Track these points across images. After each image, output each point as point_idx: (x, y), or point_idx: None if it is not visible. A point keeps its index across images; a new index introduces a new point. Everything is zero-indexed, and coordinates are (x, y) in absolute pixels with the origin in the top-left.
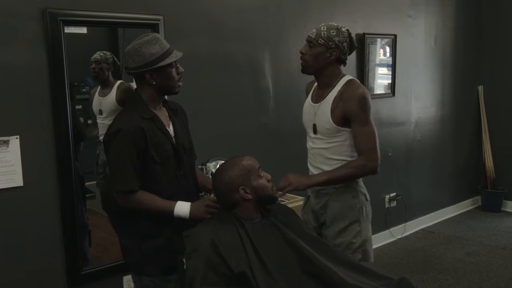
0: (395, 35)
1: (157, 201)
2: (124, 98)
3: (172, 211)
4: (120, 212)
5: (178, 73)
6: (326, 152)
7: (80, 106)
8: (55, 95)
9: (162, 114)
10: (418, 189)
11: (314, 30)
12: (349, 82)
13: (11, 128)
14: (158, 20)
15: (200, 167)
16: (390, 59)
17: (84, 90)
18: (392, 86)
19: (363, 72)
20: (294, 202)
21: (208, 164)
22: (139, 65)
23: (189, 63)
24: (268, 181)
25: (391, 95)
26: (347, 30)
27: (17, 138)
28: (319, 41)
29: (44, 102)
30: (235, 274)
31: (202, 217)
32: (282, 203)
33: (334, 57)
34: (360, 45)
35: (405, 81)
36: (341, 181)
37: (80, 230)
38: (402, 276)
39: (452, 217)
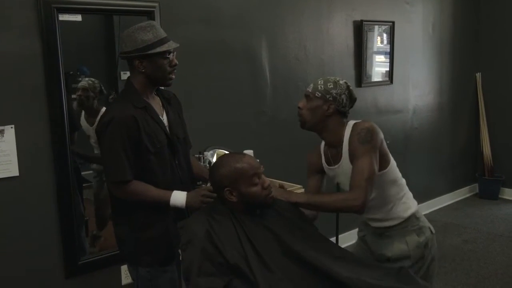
0: (393, 22)
1: (152, 191)
2: None
3: (168, 201)
4: (115, 203)
5: (171, 66)
6: (373, 202)
7: (75, 95)
8: (50, 84)
9: (155, 103)
10: (416, 176)
11: (311, 85)
12: (354, 126)
13: (6, 118)
14: (154, 7)
15: (197, 156)
16: (388, 46)
17: (80, 79)
18: (390, 73)
19: (361, 59)
20: None
21: (205, 153)
22: (129, 49)
23: (185, 50)
24: (265, 188)
25: (388, 82)
26: (345, 82)
27: (12, 127)
28: (316, 95)
29: (39, 91)
30: (230, 265)
31: (198, 207)
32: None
33: (332, 110)
34: (358, 32)
35: (403, 68)
36: (321, 209)
37: (77, 220)
38: (401, 266)
39: (450, 205)
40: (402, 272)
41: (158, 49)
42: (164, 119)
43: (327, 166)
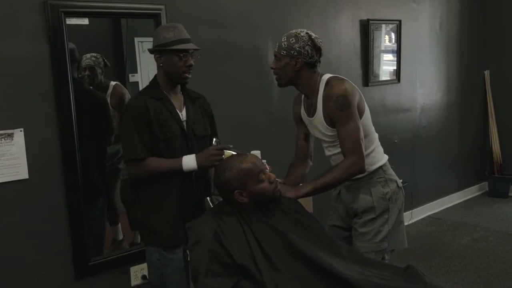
0: (400, 21)
1: (164, 163)
2: (118, 103)
3: (180, 167)
4: (130, 187)
5: (186, 65)
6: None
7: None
8: (58, 87)
9: (176, 98)
10: (425, 175)
11: (277, 44)
12: (327, 83)
13: (15, 121)
14: (160, 9)
15: None
16: (395, 45)
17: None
18: (397, 72)
19: (368, 58)
20: None
21: None
22: (153, 45)
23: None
24: (272, 182)
25: (396, 81)
26: (307, 33)
27: (21, 130)
28: (282, 53)
29: (47, 94)
30: (238, 265)
31: (210, 165)
32: None
33: (300, 64)
34: (365, 32)
35: (410, 67)
36: (330, 187)
37: (98, 221)
38: (408, 264)
39: (459, 203)
40: (409, 271)
41: (174, 47)
42: (183, 113)
43: (306, 116)
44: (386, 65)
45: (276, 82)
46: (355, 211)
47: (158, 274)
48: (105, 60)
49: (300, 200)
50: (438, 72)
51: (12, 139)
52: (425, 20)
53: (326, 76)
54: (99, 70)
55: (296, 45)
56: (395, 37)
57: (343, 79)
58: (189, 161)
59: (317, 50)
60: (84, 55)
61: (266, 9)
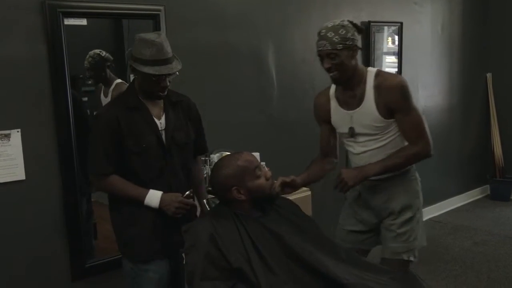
0: (401, 23)
1: (129, 188)
2: None
3: (143, 199)
4: (108, 196)
5: (159, 86)
6: (383, 149)
7: (86, 98)
8: (56, 88)
9: (154, 104)
10: (426, 178)
11: (325, 42)
12: (379, 74)
13: (12, 122)
14: (159, 10)
15: (203, 158)
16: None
17: (90, 82)
18: (399, 74)
19: (369, 60)
20: (296, 194)
21: (211, 156)
22: (130, 54)
23: (191, 53)
24: (268, 179)
25: None
26: (347, 20)
27: (18, 131)
28: (338, 48)
29: (44, 95)
30: (234, 268)
31: (170, 214)
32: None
33: (355, 52)
34: (366, 34)
35: (412, 69)
36: (396, 170)
37: (84, 223)
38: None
39: (460, 206)
40: (407, 276)
41: (145, 69)
42: (161, 121)
43: (342, 109)
44: (390, 67)
45: (333, 79)
46: (391, 210)
47: (132, 284)
48: (104, 56)
49: (298, 202)
50: (439, 74)
51: (9, 140)
52: (427, 22)
53: (372, 68)
54: (98, 69)
55: (349, 34)
56: (398, 39)
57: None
58: (153, 198)
59: (361, 31)
60: (89, 53)
61: (266, 11)
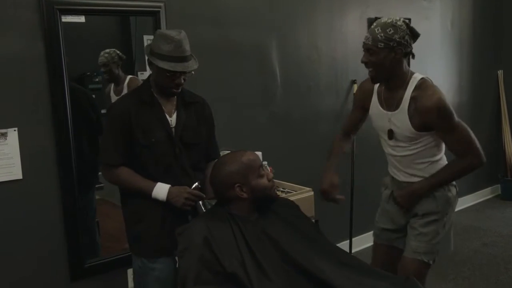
0: (409, 19)
1: (137, 180)
2: None
3: (151, 192)
4: (120, 192)
5: (173, 83)
6: (412, 157)
7: (93, 96)
8: (53, 86)
9: (168, 102)
10: None
11: (369, 36)
12: (420, 85)
13: (9, 120)
14: (159, 7)
15: None
16: None
17: (97, 79)
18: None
19: None
20: (299, 194)
21: None
22: (149, 48)
23: (192, 50)
24: (269, 180)
25: None
26: (404, 21)
27: (15, 130)
28: (379, 46)
29: (42, 93)
30: (228, 273)
31: (179, 207)
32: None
33: (399, 55)
34: None
35: (421, 66)
36: (445, 184)
37: (83, 221)
38: (407, 276)
39: (470, 206)
40: (408, 283)
41: (160, 64)
42: (172, 119)
43: (380, 108)
44: None
45: (370, 77)
46: (415, 213)
47: (139, 282)
48: (119, 54)
49: (300, 202)
50: (449, 71)
51: (6, 139)
52: (436, 18)
53: (418, 75)
54: (114, 65)
55: (396, 36)
56: None
57: (433, 85)
58: (161, 191)
59: (416, 37)
60: (100, 53)
61: (270, 7)
